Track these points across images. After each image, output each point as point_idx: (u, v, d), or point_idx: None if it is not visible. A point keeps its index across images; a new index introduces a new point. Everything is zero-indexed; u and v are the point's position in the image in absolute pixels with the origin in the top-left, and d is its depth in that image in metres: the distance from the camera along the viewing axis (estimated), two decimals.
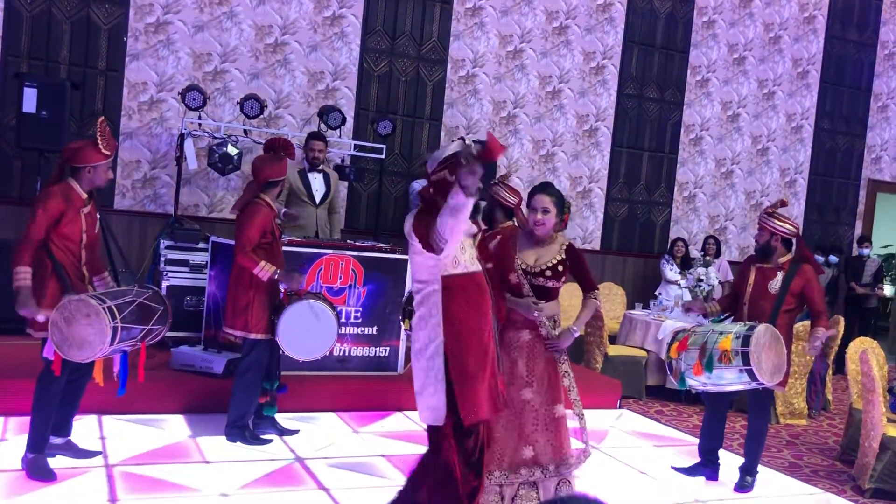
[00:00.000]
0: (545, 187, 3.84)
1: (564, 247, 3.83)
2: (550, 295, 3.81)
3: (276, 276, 4.57)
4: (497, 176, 4.77)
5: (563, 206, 3.81)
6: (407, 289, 3.64)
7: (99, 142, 3.93)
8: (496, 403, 3.30)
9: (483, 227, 3.58)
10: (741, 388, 4.48)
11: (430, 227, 3.05)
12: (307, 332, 4.67)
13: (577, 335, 3.86)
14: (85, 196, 4.00)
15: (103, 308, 3.73)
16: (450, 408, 3.17)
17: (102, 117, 4.13)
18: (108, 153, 3.98)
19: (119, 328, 3.76)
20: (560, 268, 3.77)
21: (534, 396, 3.75)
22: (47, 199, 3.87)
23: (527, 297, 3.75)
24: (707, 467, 4.98)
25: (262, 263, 4.53)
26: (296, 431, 5.05)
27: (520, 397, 3.75)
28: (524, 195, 4.15)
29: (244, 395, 4.73)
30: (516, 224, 4.36)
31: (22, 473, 3.99)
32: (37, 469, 3.96)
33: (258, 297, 4.63)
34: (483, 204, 3.54)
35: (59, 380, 3.93)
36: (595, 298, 3.90)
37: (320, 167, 6.52)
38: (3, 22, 6.76)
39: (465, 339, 3.19)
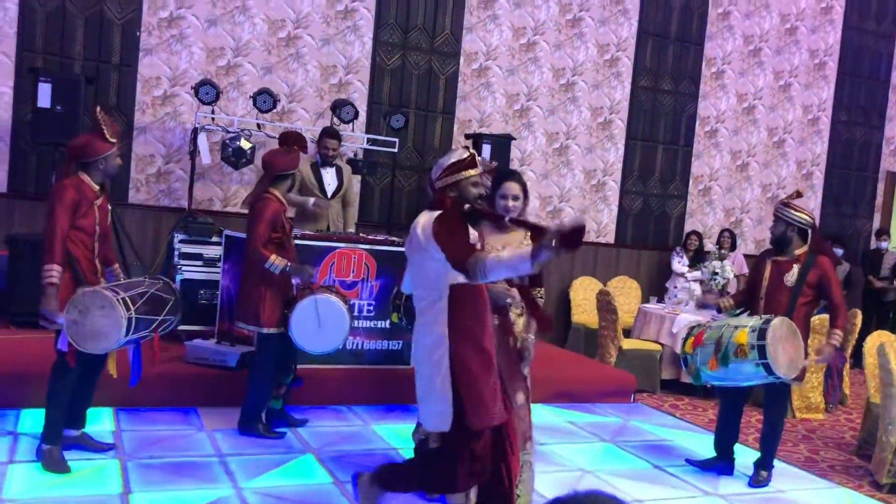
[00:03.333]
0: (513, 174, 3.90)
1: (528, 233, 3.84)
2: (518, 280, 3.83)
3: (287, 270, 4.59)
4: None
5: (526, 192, 3.88)
6: (402, 286, 3.60)
7: (105, 131, 3.95)
8: (505, 407, 3.29)
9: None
10: (758, 382, 4.44)
11: (474, 255, 3.00)
12: (319, 326, 4.68)
13: (513, 298, 3.83)
14: (97, 188, 4.02)
15: (117, 299, 3.75)
16: (457, 414, 3.14)
17: (98, 106, 4.13)
18: (114, 140, 3.99)
19: (133, 319, 3.79)
20: None
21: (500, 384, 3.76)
22: (62, 192, 3.88)
23: (499, 284, 3.72)
24: (722, 461, 4.95)
25: (273, 257, 4.56)
26: (305, 422, 5.07)
27: (519, 401, 3.75)
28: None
29: (258, 388, 4.76)
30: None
31: (37, 465, 4.02)
32: (51, 461, 3.99)
33: (270, 291, 4.65)
34: None
35: (73, 371, 3.96)
36: (540, 298, 3.86)
37: (333, 162, 6.52)
38: (18, 17, 6.79)
39: (470, 347, 3.16)
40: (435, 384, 3.16)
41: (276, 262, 4.56)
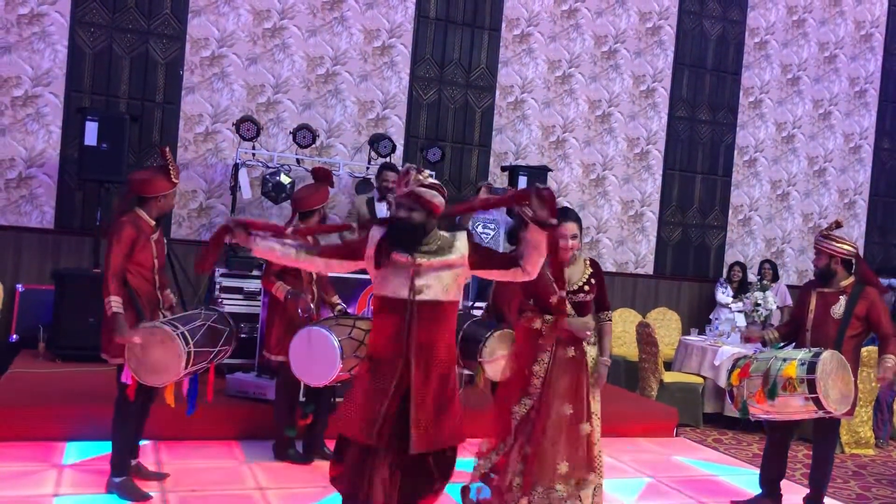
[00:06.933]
0: (569, 214, 3.88)
1: (588, 261, 3.95)
2: (587, 309, 3.90)
3: (289, 297, 4.68)
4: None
5: (582, 227, 3.95)
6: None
7: (171, 171, 4.07)
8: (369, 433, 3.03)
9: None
10: (806, 416, 4.33)
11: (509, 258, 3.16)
12: (310, 357, 4.48)
13: (609, 364, 4.00)
14: (153, 223, 4.12)
15: (177, 334, 3.81)
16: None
17: (167, 147, 4.25)
18: (177, 181, 4.13)
19: (192, 353, 3.86)
20: (593, 280, 3.89)
21: (574, 412, 3.77)
22: (120, 230, 3.98)
23: (572, 315, 3.79)
24: (769, 498, 4.81)
25: (278, 284, 4.70)
26: None
27: (564, 412, 3.76)
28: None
29: (277, 415, 4.95)
30: None
31: (95, 497, 4.06)
32: (130, 491, 4.07)
33: (279, 319, 4.83)
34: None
35: (135, 404, 4.05)
36: (609, 320, 4.04)
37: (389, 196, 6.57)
38: (67, 59, 7.01)
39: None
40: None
41: (279, 289, 4.69)
